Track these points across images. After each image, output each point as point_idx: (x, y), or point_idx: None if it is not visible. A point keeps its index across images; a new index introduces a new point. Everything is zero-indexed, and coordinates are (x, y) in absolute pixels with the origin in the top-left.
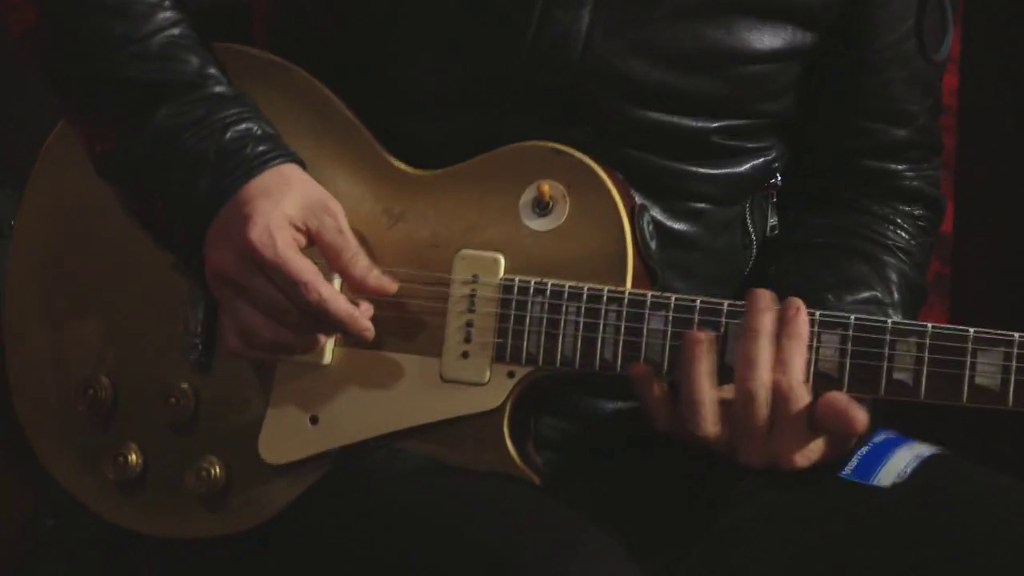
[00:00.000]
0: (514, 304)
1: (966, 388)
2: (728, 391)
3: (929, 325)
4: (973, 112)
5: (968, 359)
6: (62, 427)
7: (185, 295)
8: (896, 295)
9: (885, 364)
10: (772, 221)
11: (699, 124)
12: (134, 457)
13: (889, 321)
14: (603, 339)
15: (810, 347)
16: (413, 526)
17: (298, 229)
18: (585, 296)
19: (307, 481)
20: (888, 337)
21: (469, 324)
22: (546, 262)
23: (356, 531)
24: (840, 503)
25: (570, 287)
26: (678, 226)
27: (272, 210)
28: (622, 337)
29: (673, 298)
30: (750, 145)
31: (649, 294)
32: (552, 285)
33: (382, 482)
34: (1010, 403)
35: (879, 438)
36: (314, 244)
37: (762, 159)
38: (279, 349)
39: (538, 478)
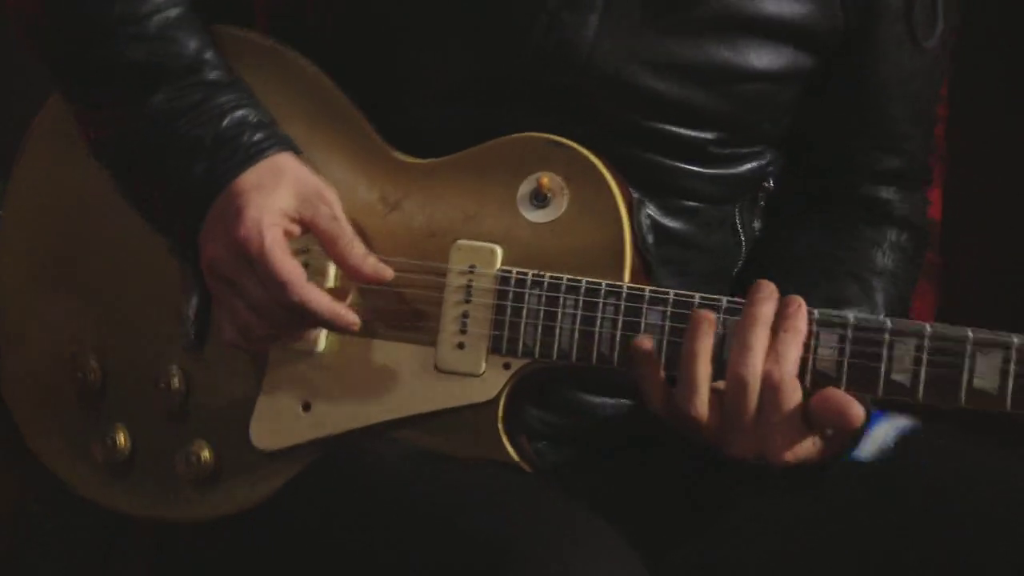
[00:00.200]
0: (511, 295)
1: (964, 390)
2: (723, 384)
3: (928, 326)
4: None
5: (966, 361)
6: (50, 409)
7: (178, 279)
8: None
9: (883, 365)
10: (757, 224)
11: (696, 134)
12: (122, 440)
13: (888, 322)
14: (600, 333)
15: (808, 345)
16: (407, 516)
17: (292, 219)
18: (583, 289)
19: (297, 468)
20: (887, 338)
21: (465, 315)
22: (543, 254)
23: (348, 519)
24: (829, 482)
25: (568, 280)
26: (672, 223)
27: (264, 203)
28: (619, 331)
29: (672, 293)
30: (745, 151)
31: (648, 289)
32: (550, 277)
33: (375, 471)
34: (1008, 406)
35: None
36: (309, 232)
37: (756, 163)
38: (274, 341)
39: (531, 470)
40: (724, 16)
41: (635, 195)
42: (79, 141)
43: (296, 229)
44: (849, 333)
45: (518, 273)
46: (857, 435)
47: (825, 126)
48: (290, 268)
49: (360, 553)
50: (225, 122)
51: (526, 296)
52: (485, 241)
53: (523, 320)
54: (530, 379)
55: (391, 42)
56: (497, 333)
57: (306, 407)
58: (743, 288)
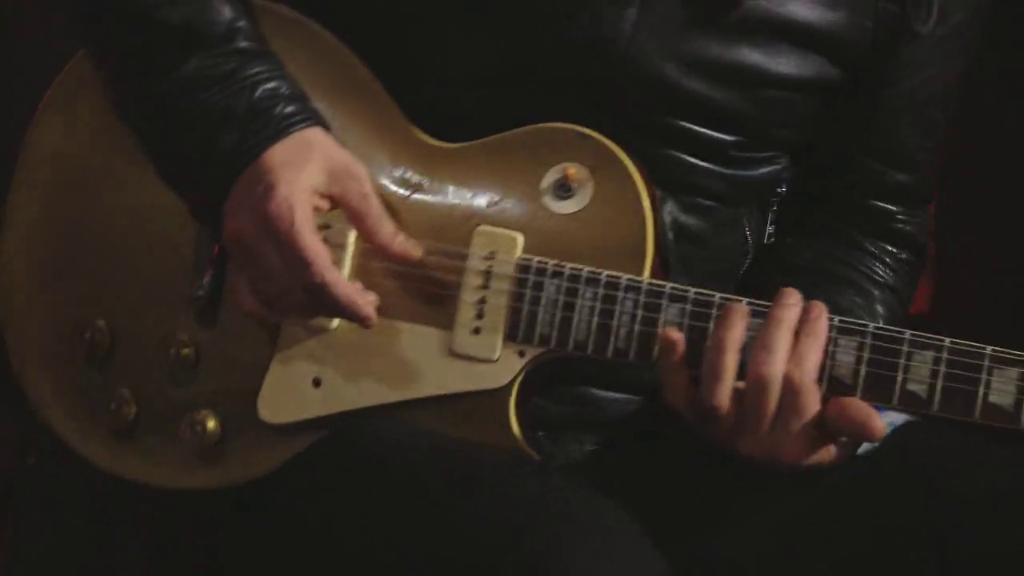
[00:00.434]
0: (530, 284)
1: (979, 405)
2: (741, 384)
3: (947, 340)
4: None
5: (983, 376)
6: (55, 369)
7: (192, 248)
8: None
9: (900, 375)
10: (770, 229)
11: (719, 136)
12: (127, 405)
13: (908, 332)
14: (618, 327)
15: (826, 351)
16: (415, 499)
17: (321, 196)
18: (603, 282)
19: (303, 443)
20: (905, 348)
21: (483, 300)
22: (564, 245)
23: (353, 500)
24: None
25: (588, 272)
26: (688, 220)
27: (295, 180)
28: (637, 326)
29: (692, 291)
30: (763, 156)
31: (668, 285)
32: (570, 268)
33: (383, 452)
34: (1023, 423)
35: None
36: (337, 208)
37: (772, 168)
38: (291, 315)
39: (540, 458)
40: (758, 20)
41: (658, 192)
42: (92, 111)
43: (325, 205)
44: (868, 341)
45: (538, 262)
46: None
47: (837, 137)
48: (316, 249)
49: (365, 536)
50: (258, 93)
51: (545, 285)
52: (507, 228)
53: (541, 309)
54: (543, 369)
55: (422, 25)
56: (514, 320)
57: (316, 383)
58: (747, 292)
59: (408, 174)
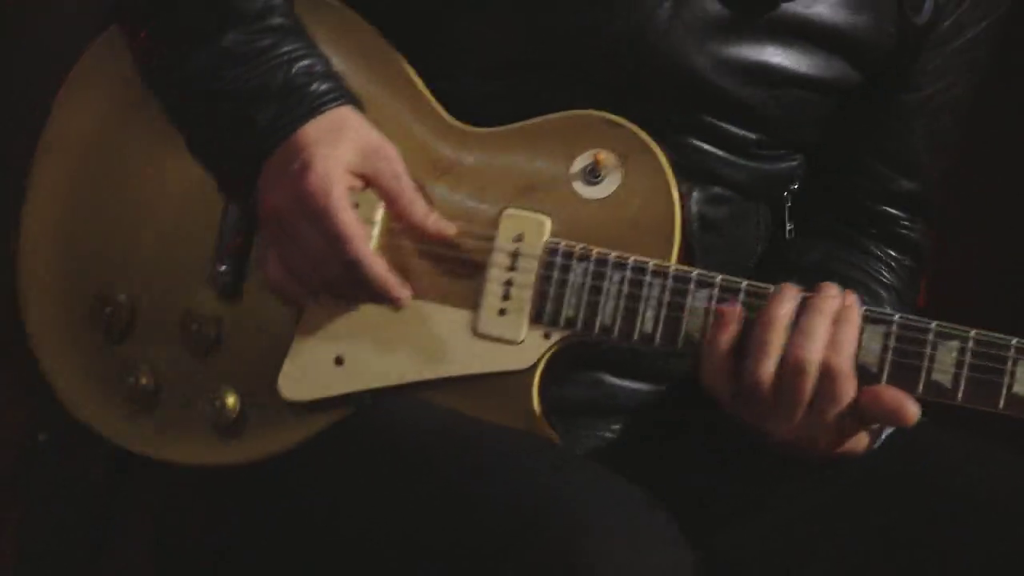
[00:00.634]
0: (557, 267)
1: (1004, 395)
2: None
3: (972, 331)
4: None
5: (1008, 367)
6: (73, 343)
7: (217, 222)
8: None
9: (925, 363)
10: (789, 226)
11: (742, 132)
12: (145, 380)
13: (933, 323)
14: (644, 311)
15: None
16: (434, 482)
17: (355, 175)
18: (630, 266)
19: (324, 422)
20: (931, 338)
21: (509, 282)
22: (592, 230)
23: (371, 481)
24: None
25: (615, 256)
26: (707, 210)
27: (331, 157)
28: (664, 311)
29: (719, 277)
30: (782, 152)
31: (695, 271)
32: (597, 252)
33: (402, 434)
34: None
35: None
36: (370, 187)
37: (788, 163)
38: (318, 291)
39: (560, 442)
40: (787, 21)
41: (686, 182)
42: (116, 87)
43: (359, 184)
44: (894, 330)
45: (566, 245)
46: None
47: (850, 139)
48: (353, 225)
49: (382, 518)
50: (294, 69)
51: (572, 268)
52: (535, 212)
53: (567, 292)
54: (568, 353)
55: (456, 12)
56: (540, 303)
57: (338, 361)
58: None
59: (438, 157)
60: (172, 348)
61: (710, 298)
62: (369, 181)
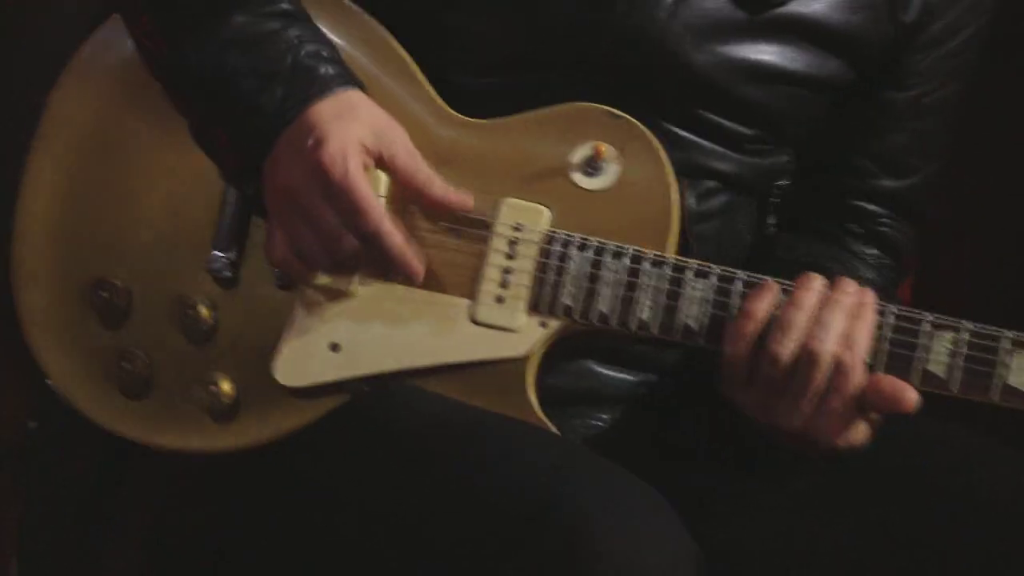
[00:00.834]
0: (556, 256)
1: (999, 387)
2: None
3: (967, 323)
4: None
5: (1002, 359)
6: (67, 329)
7: (214, 209)
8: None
9: (919, 355)
10: (771, 220)
11: (736, 128)
12: (140, 365)
13: (929, 314)
14: (642, 301)
15: None
16: (437, 469)
17: (368, 153)
18: (629, 256)
19: (319, 409)
20: (925, 329)
21: (507, 271)
22: (590, 221)
23: (373, 470)
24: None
25: (614, 246)
26: (700, 202)
27: (344, 131)
28: (662, 301)
29: (717, 268)
30: (773, 148)
31: (694, 262)
32: (596, 242)
33: (404, 422)
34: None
35: None
36: (382, 167)
37: (780, 158)
38: (325, 271)
39: (556, 430)
40: (785, 19)
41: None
42: (114, 73)
43: (370, 162)
44: (890, 321)
45: (565, 235)
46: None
47: (838, 136)
48: (371, 198)
49: (384, 507)
50: (302, 52)
51: (570, 257)
52: (534, 202)
53: (565, 281)
54: (565, 342)
55: (456, 8)
56: (538, 291)
57: (334, 348)
58: None
59: (438, 146)
60: (168, 334)
61: (708, 288)
62: (383, 159)
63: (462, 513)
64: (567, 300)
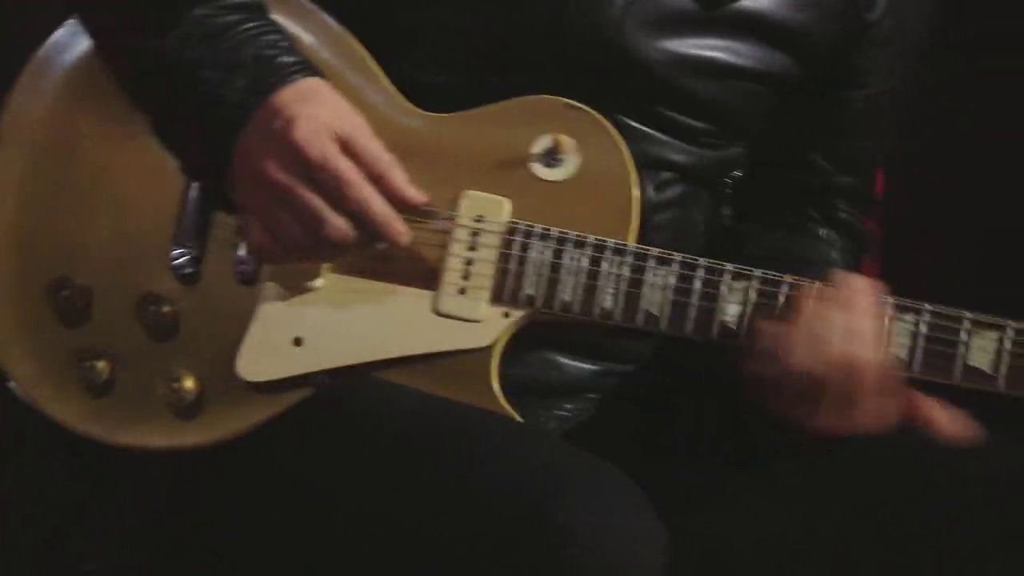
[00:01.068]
0: (517, 246)
1: (959, 367)
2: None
3: (927, 305)
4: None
5: (962, 339)
6: (28, 330)
7: (177, 204)
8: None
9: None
10: (727, 211)
11: (691, 122)
12: (103, 364)
13: (890, 298)
14: (604, 288)
15: None
16: (409, 460)
17: (334, 138)
18: (590, 245)
19: (283, 403)
20: (888, 312)
21: (469, 262)
22: (551, 211)
23: (347, 463)
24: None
25: (575, 235)
26: (656, 194)
27: (313, 113)
28: (624, 288)
29: (678, 256)
30: (725, 142)
31: (655, 250)
32: (557, 232)
33: (374, 415)
34: (1001, 386)
35: None
36: (346, 152)
37: (733, 150)
38: (306, 255)
39: (520, 419)
40: (735, 16)
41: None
42: (72, 75)
43: (337, 146)
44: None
45: (526, 225)
46: None
47: (796, 134)
48: (352, 169)
49: (359, 499)
50: (262, 43)
51: (532, 247)
52: (495, 194)
53: (527, 271)
54: (527, 332)
55: (412, 7)
56: (500, 281)
57: (297, 342)
58: None
59: (398, 139)
60: (130, 332)
61: (668, 275)
62: (347, 143)
63: (451, 513)
64: (530, 290)
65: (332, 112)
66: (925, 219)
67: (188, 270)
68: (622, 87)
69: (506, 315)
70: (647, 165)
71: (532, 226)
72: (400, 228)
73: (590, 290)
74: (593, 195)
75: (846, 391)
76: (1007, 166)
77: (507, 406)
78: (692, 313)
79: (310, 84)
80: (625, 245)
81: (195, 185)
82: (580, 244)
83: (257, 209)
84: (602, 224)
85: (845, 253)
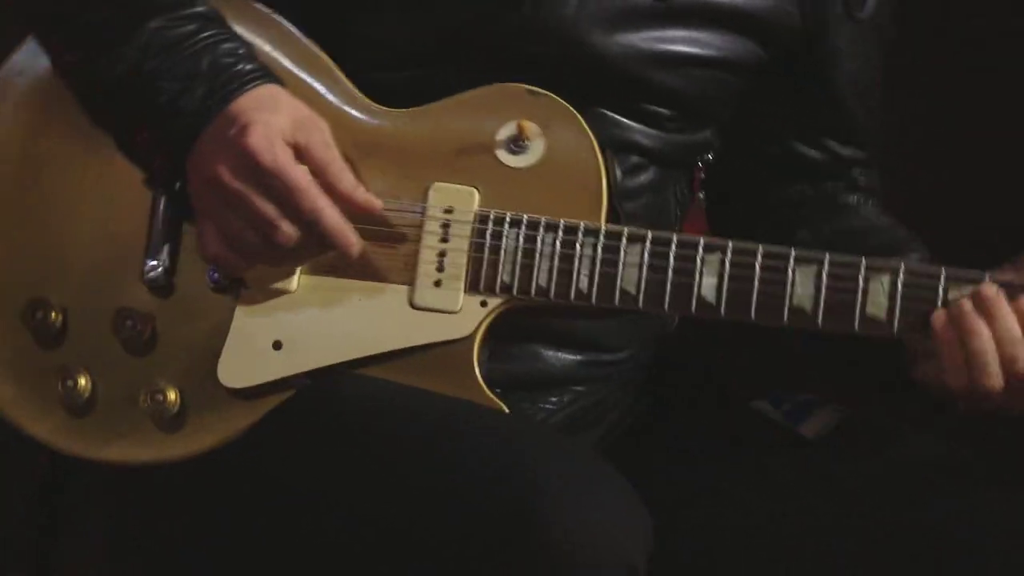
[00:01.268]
0: (489, 235)
1: (858, 317)
2: None
3: (827, 254)
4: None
5: (861, 286)
6: (5, 352)
7: (145, 218)
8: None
9: (788, 289)
10: (701, 195)
11: (656, 109)
12: (83, 382)
13: (793, 249)
14: (579, 270)
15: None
16: (394, 454)
17: (287, 143)
18: (561, 228)
19: (265, 408)
20: (791, 264)
21: (442, 254)
22: (520, 198)
23: (330, 460)
24: (793, 457)
25: (546, 220)
26: (626, 179)
27: (268, 120)
28: (598, 268)
29: (650, 232)
30: (695, 126)
31: (626, 228)
32: (528, 218)
33: (357, 411)
34: (896, 329)
35: (800, 398)
36: (301, 158)
37: (701, 134)
38: (261, 261)
39: (506, 409)
40: (690, 4)
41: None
42: (33, 94)
43: (291, 154)
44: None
45: (496, 213)
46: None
47: (796, 120)
48: (304, 177)
49: (345, 495)
50: (219, 51)
51: (504, 235)
52: (463, 184)
53: (501, 258)
54: (506, 320)
55: (363, 5)
56: (475, 271)
57: (277, 345)
58: None
59: (361, 138)
60: (108, 348)
61: (643, 252)
62: (301, 150)
63: (438, 508)
64: (505, 277)
65: (288, 118)
66: (919, 218)
67: (162, 282)
68: (582, 81)
69: (483, 304)
70: (615, 149)
71: (502, 213)
72: (351, 238)
73: (565, 273)
74: (561, 178)
75: None
76: (1002, 165)
77: (492, 396)
78: (668, 289)
79: (268, 91)
80: (596, 226)
81: (164, 197)
82: (552, 228)
83: (212, 215)
84: (573, 207)
85: (877, 212)
